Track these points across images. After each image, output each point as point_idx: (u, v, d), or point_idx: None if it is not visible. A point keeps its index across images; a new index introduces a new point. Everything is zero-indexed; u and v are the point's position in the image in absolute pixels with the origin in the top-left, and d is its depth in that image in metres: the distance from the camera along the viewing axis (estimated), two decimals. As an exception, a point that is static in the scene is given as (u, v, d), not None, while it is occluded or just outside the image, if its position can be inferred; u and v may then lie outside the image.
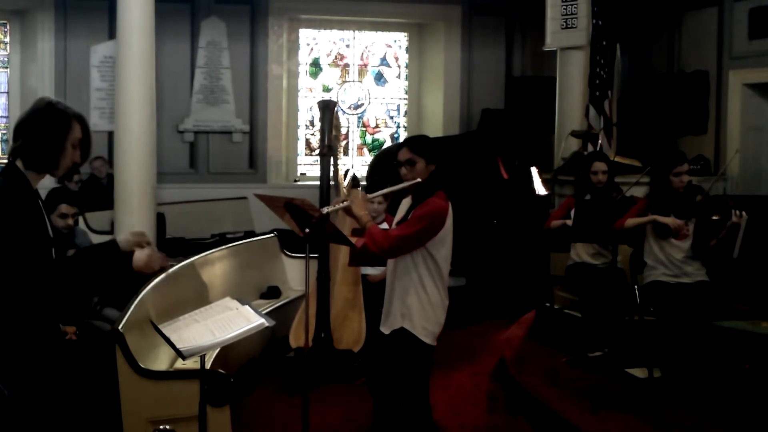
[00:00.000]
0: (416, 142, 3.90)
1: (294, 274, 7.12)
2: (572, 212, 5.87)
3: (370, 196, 4.05)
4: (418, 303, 3.78)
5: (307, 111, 11.29)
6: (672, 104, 9.92)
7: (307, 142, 11.29)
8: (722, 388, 4.62)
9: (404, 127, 11.63)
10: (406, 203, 3.97)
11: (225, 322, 3.22)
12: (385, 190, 4.06)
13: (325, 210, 3.81)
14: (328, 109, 5.93)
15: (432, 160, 3.79)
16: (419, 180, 3.77)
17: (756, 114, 9.36)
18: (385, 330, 3.91)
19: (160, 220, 8.70)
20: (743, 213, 4.92)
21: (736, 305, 5.39)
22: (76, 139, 2.84)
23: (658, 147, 9.00)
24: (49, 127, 2.78)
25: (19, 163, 2.79)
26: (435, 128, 11.05)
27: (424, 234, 3.71)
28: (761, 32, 8.96)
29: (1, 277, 2.71)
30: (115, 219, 7.99)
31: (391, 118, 11.69)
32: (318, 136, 6.17)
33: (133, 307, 4.40)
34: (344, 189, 6.23)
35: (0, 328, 2.73)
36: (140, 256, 2.88)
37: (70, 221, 5.44)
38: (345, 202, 3.81)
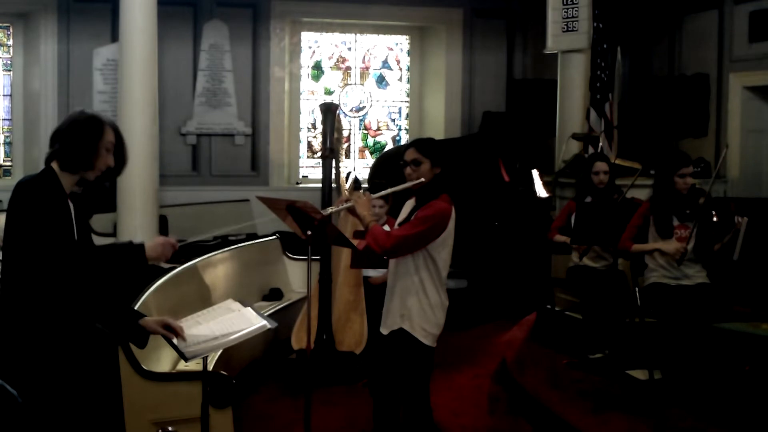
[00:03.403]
0: (423, 143, 3.94)
1: (296, 276, 7.14)
2: (573, 218, 5.89)
3: (374, 196, 4.07)
4: (418, 304, 3.80)
5: (309, 114, 11.31)
6: (672, 107, 9.94)
7: (309, 145, 11.32)
8: (723, 390, 4.63)
9: (406, 129, 11.65)
10: (408, 205, 3.99)
11: (227, 323, 3.24)
12: (389, 190, 4.04)
13: (328, 210, 3.85)
14: (329, 111, 5.95)
15: (437, 163, 3.82)
16: (423, 180, 3.79)
17: (756, 117, 9.37)
18: (384, 330, 3.94)
19: (163, 222, 8.73)
20: (741, 218, 4.94)
21: (737, 307, 5.41)
22: (109, 143, 3.00)
23: (659, 149, 9.02)
24: (82, 130, 2.96)
25: (54, 166, 2.93)
26: (436, 131, 11.07)
27: (426, 235, 3.73)
28: (761, 35, 8.98)
29: (23, 272, 2.76)
30: (117, 221, 8.03)
31: (393, 120, 11.71)
32: (320, 138, 6.20)
33: (135, 308, 4.42)
34: (346, 192, 6.25)
35: (19, 327, 2.76)
36: (153, 247, 3.07)
37: None
38: (348, 202, 3.85)
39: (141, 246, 3.10)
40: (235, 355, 5.15)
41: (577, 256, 6.05)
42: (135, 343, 3.08)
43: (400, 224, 3.95)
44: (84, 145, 2.94)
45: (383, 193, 4.12)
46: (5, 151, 10.27)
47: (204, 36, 10.30)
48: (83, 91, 9.93)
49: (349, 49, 11.49)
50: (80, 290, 2.83)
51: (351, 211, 3.86)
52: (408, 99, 11.62)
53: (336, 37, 11.41)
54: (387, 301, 3.94)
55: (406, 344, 3.82)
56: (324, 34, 11.32)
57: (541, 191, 8.08)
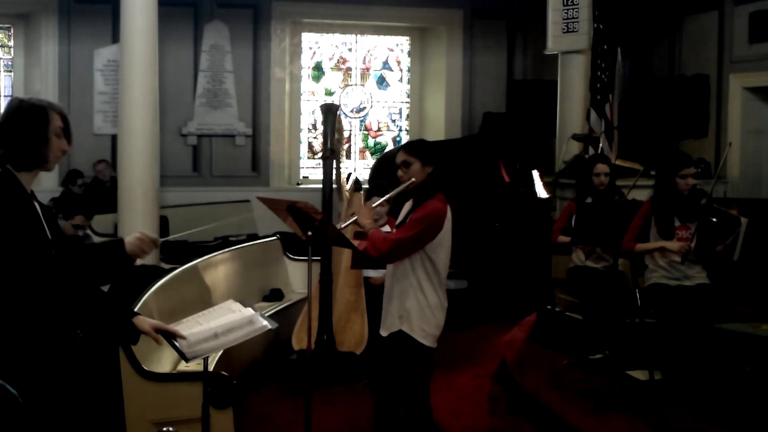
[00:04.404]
0: (411, 145, 4.02)
1: (296, 276, 7.15)
2: (573, 219, 5.89)
3: (373, 205, 4.11)
4: (417, 305, 3.81)
5: (310, 114, 11.32)
6: (673, 107, 9.94)
7: (310, 146, 11.32)
8: (723, 390, 4.64)
9: (406, 130, 11.66)
10: (407, 206, 4.01)
11: (228, 324, 3.24)
12: (385, 197, 4.13)
13: (340, 226, 3.91)
14: (330, 112, 5.96)
15: (428, 162, 3.85)
16: (414, 180, 3.82)
17: (756, 117, 9.38)
18: (384, 332, 3.94)
19: (164, 223, 8.74)
20: (741, 218, 4.95)
21: (737, 308, 5.41)
22: (57, 128, 2.84)
23: (660, 150, 9.03)
24: (27, 122, 2.78)
25: (10, 167, 2.80)
26: (437, 131, 11.08)
27: (421, 237, 3.75)
28: (761, 36, 8.99)
29: (3, 276, 2.73)
30: (118, 222, 8.03)
31: (393, 121, 11.71)
32: (320, 139, 6.21)
33: (136, 309, 4.42)
34: (346, 192, 6.27)
35: (15, 328, 2.76)
36: (132, 242, 2.98)
37: (81, 232, 5.55)
38: (354, 216, 3.89)
39: (120, 241, 3.01)
40: (235, 355, 5.16)
41: (577, 257, 6.06)
42: (126, 341, 3.05)
43: (397, 226, 3.97)
44: (32, 138, 2.77)
45: (380, 201, 4.20)
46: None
47: (204, 37, 10.31)
48: (84, 92, 9.95)
49: (350, 49, 11.50)
50: (63, 289, 2.81)
51: (357, 222, 3.92)
52: (408, 100, 11.63)
53: (336, 38, 11.42)
54: (385, 302, 3.95)
55: (405, 346, 3.83)
56: (324, 35, 11.33)
57: (541, 192, 8.09)
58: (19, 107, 2.82)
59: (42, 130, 2.79)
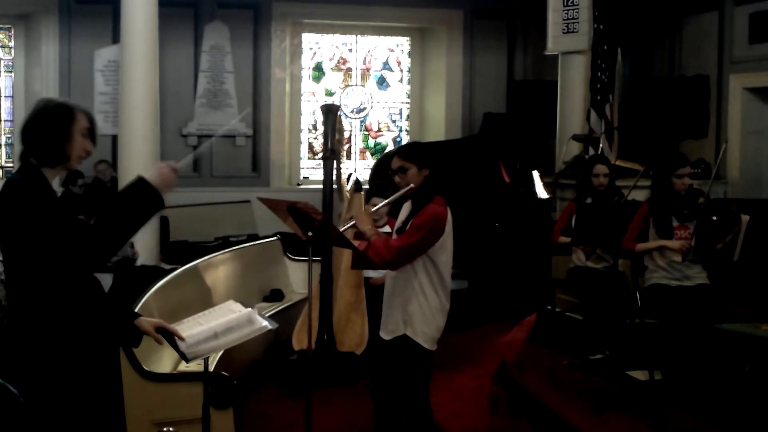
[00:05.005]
0: (405, 149, 3.99)
1: (297, 277, 7.15)
2: (573, 219, 5.89)
3: (371, 210, 4.10)
4: (419, 309, 3.81)
5: (310, 115, 11.33)
6: (673, 108, 9.95)
7: (310, 146, 11.33)
8: (723, 391, 4.64)
9: (406, 131, 11.67)
10: (406, 207, 4.00)
11: (228, 324, 3.24)
12: (383, 203, 4.11)
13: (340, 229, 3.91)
14: (330, 112, 5.97)
15: (424, 165, 3.83)
16: (413, 185, 3.81)
17: (756, 118, 9.39)
18: (386, 336, 3.93)
19: (164, 223, 8.74)
20: (742, 216, 4.94)
21: (737, 308, 5.41)
22: (83, 128, 2.88)
23: (659, 150, 9.04)
24: (52, 119, 2.83)
25: (33, 161, 2.84)
26: (437, 132, 11.09)
27: (424, 243, 3.74)
28: (761, 36, 8.99)
29: (33, 272, 2.72)
30: (119, 222, 8.02)
31: (394, 122, 11.72)
32: (321, 139, 6.21)
33: (136, 310, 4.43)
34: (347, 193, 6.27)
35: (23, 328, 2.75)
36: (156, 176, 3.13)
37: None
38: (352, 221, 3.88)
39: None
40: (235, 355, 5.16)
41: (577, 257, 6.06)
42: (128, 343, 3.05)
43: (398, 229, 3.96)
44: (56, 134, 2.82)
45: (379, 206, 4.18)
46: (7, 152, 10.28)
47: (205, 37, 10.32)
48: (84, 92, 9.94)
49: (350, 50, 11.51)
50: (87, 286, 2.82)
51: (356, 226, 3.91)
52: (409, 100, 11.64)
53: (337, 39, 11.42)
54: (386, 305, 3.94)
55: (408, 350, 3.83)
56: (325, 35, 11.34)
57: (541, 192, 8.09)
58: (45, 106, 2.87)
59: (66, 127, 2.83)
